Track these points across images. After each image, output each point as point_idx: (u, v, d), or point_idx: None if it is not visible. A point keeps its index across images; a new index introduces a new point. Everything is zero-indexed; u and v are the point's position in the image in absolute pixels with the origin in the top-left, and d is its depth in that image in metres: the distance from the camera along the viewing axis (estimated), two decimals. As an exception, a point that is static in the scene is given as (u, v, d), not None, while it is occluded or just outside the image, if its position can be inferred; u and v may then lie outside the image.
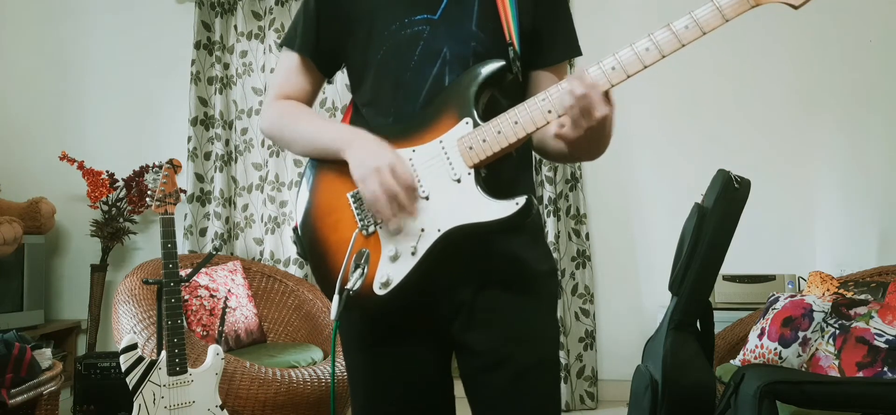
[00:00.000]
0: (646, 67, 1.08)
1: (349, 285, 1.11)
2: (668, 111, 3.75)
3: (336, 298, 1.11)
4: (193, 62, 3.88)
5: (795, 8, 1.02)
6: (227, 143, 3.91)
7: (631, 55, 1.07)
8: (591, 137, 1.10)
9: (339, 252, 1.17)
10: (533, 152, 1.34)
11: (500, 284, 1.21)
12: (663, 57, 1.07)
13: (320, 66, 1.33)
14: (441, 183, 1.14)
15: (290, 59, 1.33)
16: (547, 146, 1.28)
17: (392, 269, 1.14)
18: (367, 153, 1.14)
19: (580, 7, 3.76)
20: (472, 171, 1.13)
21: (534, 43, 1.25)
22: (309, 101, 1.35)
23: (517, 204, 1.10)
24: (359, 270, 1.12)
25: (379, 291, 1.14)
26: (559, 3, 1.30)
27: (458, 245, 1.14)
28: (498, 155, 1.13)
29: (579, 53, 1.30)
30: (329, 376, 2.83)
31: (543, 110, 1.11)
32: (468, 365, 1.24)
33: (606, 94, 1.08)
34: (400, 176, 1.11)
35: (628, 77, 1.08)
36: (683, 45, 1.07)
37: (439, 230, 1.13)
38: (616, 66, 1.07)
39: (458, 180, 1.14)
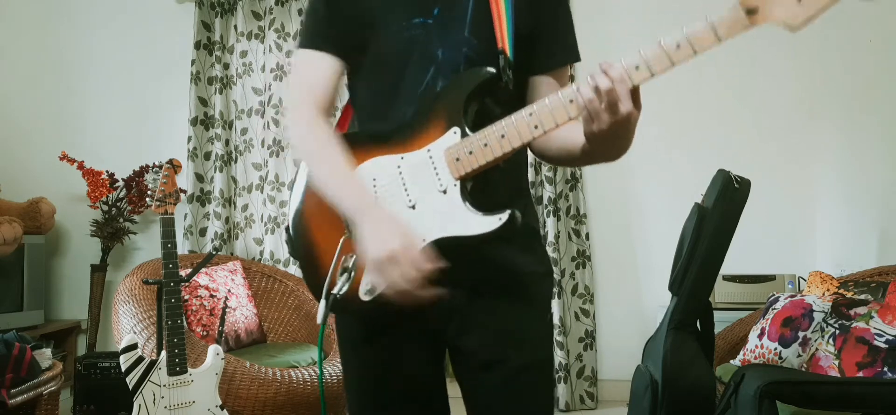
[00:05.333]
0: (653, 76, 1.04)
1: (335, 290, 1.11)
2: (668, 111, 3.75)
3: (322, 302, 1.12)
4: (193, 62, 3.88)
5: (792, 30, 0.99)
6: (227, 143, 3.91)
7: (648, 54, 1.04)
8: (613, 134, 1.06)
9: (328, 255, 1.16)
10: (527, 162, 1.33)
11: (494, 291, 1.21)
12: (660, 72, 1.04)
13: (336, 52, 1.26)
14: (428, 193, 1.13)
15: (307, 56, 1.27)
16: (549, 148, 1.25)
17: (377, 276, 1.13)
18: (379, 241, 1.07)
19: (578, 11, 3.76)
20: (458, 182, 1.12)
21: (532, 47, 1.22)
22: (332, 92, 1.26)
23: (500, 220, 1.09)
24: (346, 275, 1.11)
25: (364, 297, 1.13)
26: (560, 6, 1.27)
27: (446, 255, 1.12)
28: (484, 168, 1.12)
29: (578, 59, 1.28)
30: (329, 377, 2.83)
31: (531, 125, 1.09)
32: (462, 365, 1.25)
33: (634, 93, 1.05)
34: (414, 263, 1.05)
35: (650, 77, 1.04)
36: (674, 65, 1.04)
37: (424, 240, 1.12)
38: (640, 65, 1.03)
39: (444, 191, 1.13)
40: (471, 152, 1.11)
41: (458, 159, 1.12)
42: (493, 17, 1.19)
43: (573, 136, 1.16)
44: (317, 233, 1.20)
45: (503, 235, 1.10)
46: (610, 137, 1.07)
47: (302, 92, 1.26)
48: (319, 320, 1.10)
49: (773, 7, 0.99)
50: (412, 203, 1.14)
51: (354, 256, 1.12)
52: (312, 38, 1.27)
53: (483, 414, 1.24)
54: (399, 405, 1.26)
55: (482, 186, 1.14)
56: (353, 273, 1.11)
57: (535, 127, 1.09)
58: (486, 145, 1.11)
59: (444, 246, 1.12)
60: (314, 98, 1.25)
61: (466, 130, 1.13)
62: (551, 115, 1.08)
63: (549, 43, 1.25)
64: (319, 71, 1.25)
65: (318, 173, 1.20)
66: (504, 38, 1.18)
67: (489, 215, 1.10)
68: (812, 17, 0.98)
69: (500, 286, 1.21)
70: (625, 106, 1.03)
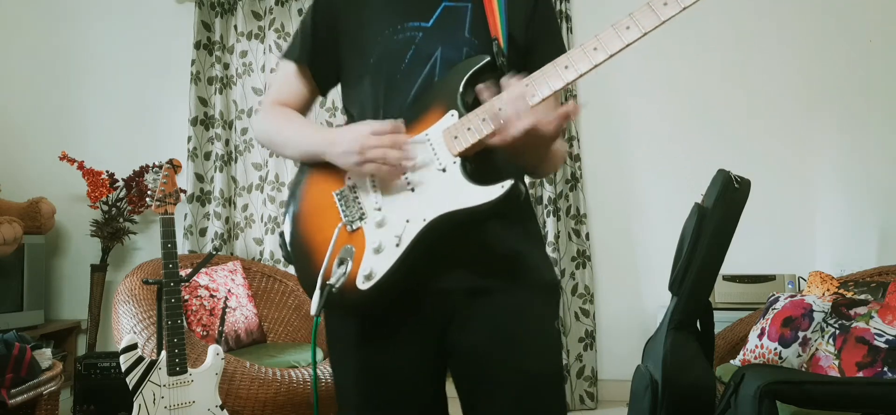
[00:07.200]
0: (581, 75, 1.09)
1: (332, 281, 1.07)
2: (668, 111, 3.75)
3: (317, 293, 1.08)
4: (193, 62, 3.88)
5: None
6: (227, 143, 3.91)
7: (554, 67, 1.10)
8: (530, 144, 1.10)
9: (324, 251, 1.14)
10: None
11: (496, 289, 1.19)
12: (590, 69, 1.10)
13: (315, 74, 1.34)
14: (427, 174, 1.14)
15: (287, 67, 1.35)
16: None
17: (375, 261, 1.12)
18: (345, 145, 1.14)
19: (578, 9, 3.77)
20: (458, 159, 1.13)
21: (527, 57, 1.26)
22: (302, 110, 1.36)
23: (502, 187, 1.09)
24: (342, 267, 1.09)
25: (361, 285, 1.12)
26: (550, 21, 1.32)
27: (447, 238, 1.12)
28: (483, 143, 1.13)
29: None
30: (328, 377, 2.83)
31: (527, 94, 1.11)
32: (461, 372, 1.23)
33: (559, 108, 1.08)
34: (380, 132, 1.12)
35: (567, 84, 1.10)
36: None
37: (424, 219, 1.12)
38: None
39: (444, 170, 1.13)
40: (469, 129, 1.13)
41: (455, 137, 1.13)
42: (487, 13, 1.23)
43: None
44: (313, 231, 1.19)
45: (504, 207, 1.10)
46: (524, 148, 1.11)
47: (267, 97, 1.36)
48: (313, 311, 1.07)
49: None
50: (411, 186, 1.14)
51: (352, 248, 1.11)
52: (290, 50, 1.35)
53: None
54: (397, 406, 1.24)
55: (485, 164, 1.15)
56: (349, 264, 1.09)
57: (533, 96, 1.11)
58: (484, 120, 1.12)
59: (444, 226, 1.11)
60: (275, 99, 1.35)
61: (464, 111, 1.14)
62: (545, 81, 1.11)
63: (542, 56, 1.26)
64: (288, 79, 1.34)
65: (285, 137, 1.29)
66: (497, 26, 1.21)
67: (491, 186, 1.10)
68: None
69: (502, 282, 1.19)
70: (522, 123, 1.07)
